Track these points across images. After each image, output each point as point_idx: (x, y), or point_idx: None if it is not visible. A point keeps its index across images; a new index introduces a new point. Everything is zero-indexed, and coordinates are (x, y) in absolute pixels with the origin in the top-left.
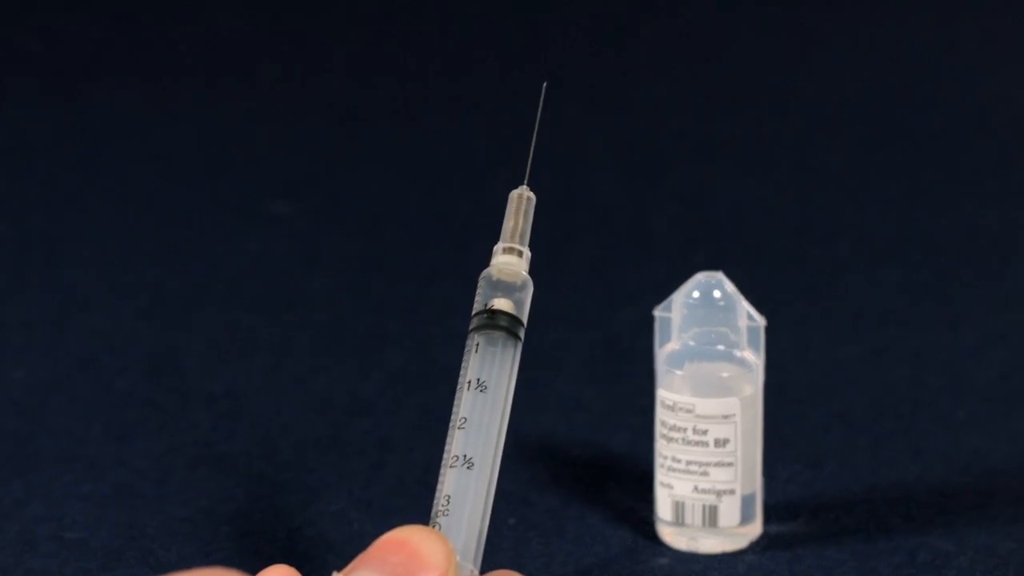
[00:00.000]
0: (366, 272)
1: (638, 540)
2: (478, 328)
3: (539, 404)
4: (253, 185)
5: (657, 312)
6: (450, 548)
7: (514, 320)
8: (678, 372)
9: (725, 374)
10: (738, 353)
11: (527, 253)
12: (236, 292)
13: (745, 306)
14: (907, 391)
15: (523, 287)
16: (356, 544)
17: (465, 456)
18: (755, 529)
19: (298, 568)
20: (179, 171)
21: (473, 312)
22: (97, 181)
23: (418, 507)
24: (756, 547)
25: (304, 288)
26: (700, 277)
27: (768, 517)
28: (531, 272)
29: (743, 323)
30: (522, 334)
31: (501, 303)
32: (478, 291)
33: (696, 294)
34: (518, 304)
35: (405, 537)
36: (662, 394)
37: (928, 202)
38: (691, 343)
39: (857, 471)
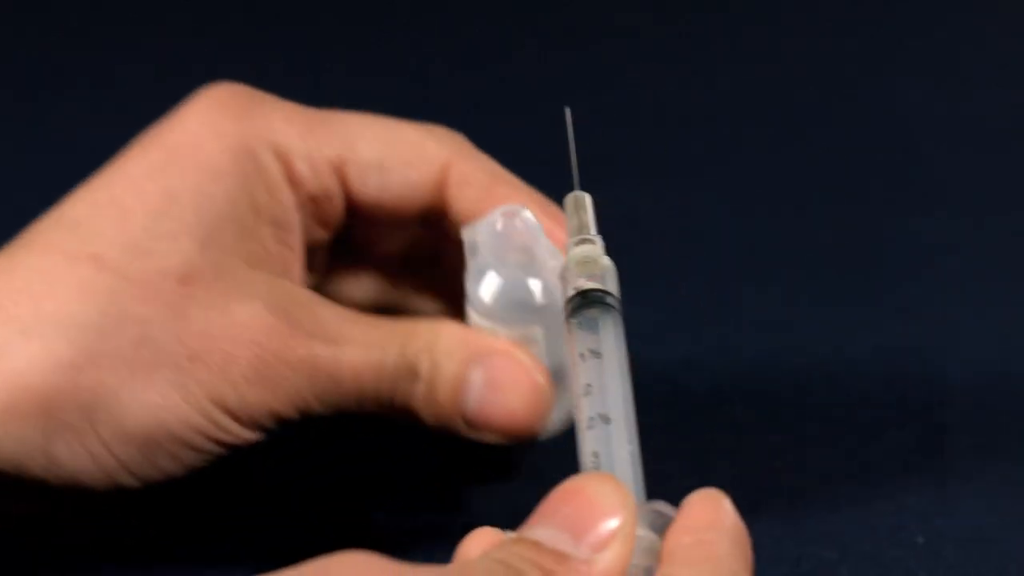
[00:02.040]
0: None
1: None
2: (572, 312)
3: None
4: None
5: (465, 234)
6: (626, 492)
7: (605, 292)
8: (484, 296)
9: (529, 300)
10: (538, 283)
11: (599, 239)
12: None
13: (546, 242)
14: (795, 400)
15: (605, 267)
16: (280, 557)
17: (600, 415)
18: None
19: None
20: None
21: (564, 303)
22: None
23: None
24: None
25: None
26: (503, 208)
27: None
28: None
29: (544, 255)
30: (617, 305)
31: (587, 284)
32: (561, 283)
33: (499, 225)
34: (603, 281)
35: (579, 486)
36: (471, 315)
37: (821, 213)
38: (496, 270)
39: (744, 481)
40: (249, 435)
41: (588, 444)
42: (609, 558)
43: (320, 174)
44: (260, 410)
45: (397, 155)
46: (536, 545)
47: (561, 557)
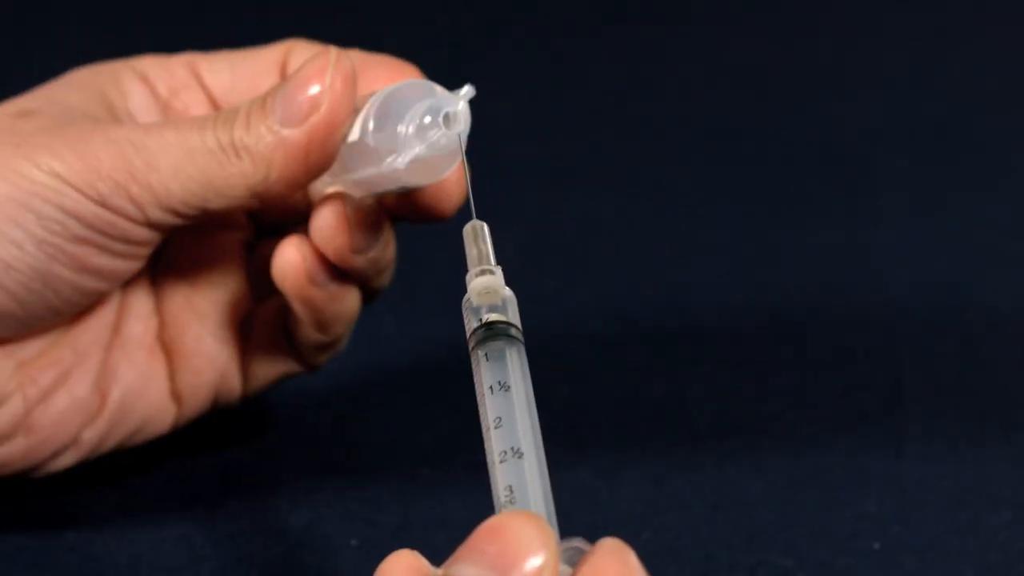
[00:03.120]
0: None
1: None
2: (478, 343)
3: (386, 425)
4: None
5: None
6: (548, 530)
7: (509, 325)
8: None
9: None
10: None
11: (499, 270)
12: None
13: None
14: (752, 408)
15: (506, 298)
16: (198, 569)
17: (512, 448)
18: None
19: None
20: None
21: (468, 333)
22: None
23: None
24: None
25: None
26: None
27: (611, 534)
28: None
29: (435, 149)
30: (520, 336)
31: (492, 316)
32: (465, 314)
33: (460, 103)
34: (505, 312)
35: (502, 524)
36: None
37: (774, 221)
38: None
39: (701, 488)
40: (106, 214)
41: (502, 478)
42: None
43: (173, 73)
44: (89, 175)
45: (242, 54)
46: None
47: None
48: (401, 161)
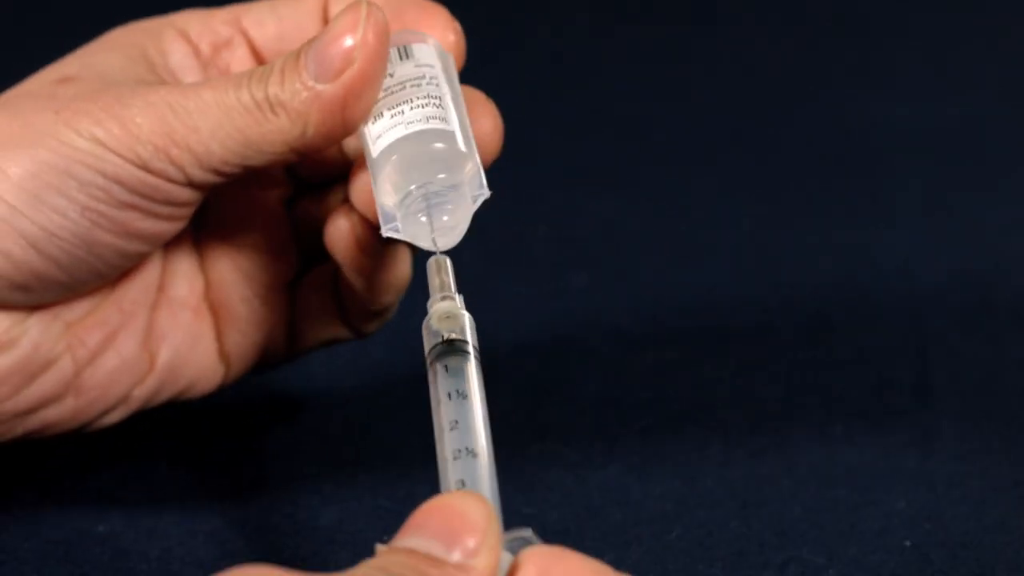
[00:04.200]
0: None
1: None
2: (438, 357)
3: (416, 422)
4: None
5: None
6: (490, 507)
7: (466, 343)
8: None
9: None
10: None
11: (459, 297)
12: None
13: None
14: (780, 405)
15: (464, 321)
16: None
17: (466, 448)
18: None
19: None
20: None
21: (428, 349)
22: None
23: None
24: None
25: None
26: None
27: (642, 532)
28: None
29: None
30: (476, 353)
31: (452, 334)
32: (425, 334)
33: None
34: (464, 332)
35: (445, 501)
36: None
37: (787, 220)
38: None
39: (732, 486)
40: (148, 177)
41: (454, 473)
42: (483, 564)
43: (216, 30)
44: (129, 140)
45: (284, 0)
46: (411, 552)
47: (437, 562)
48: (384, 228)
